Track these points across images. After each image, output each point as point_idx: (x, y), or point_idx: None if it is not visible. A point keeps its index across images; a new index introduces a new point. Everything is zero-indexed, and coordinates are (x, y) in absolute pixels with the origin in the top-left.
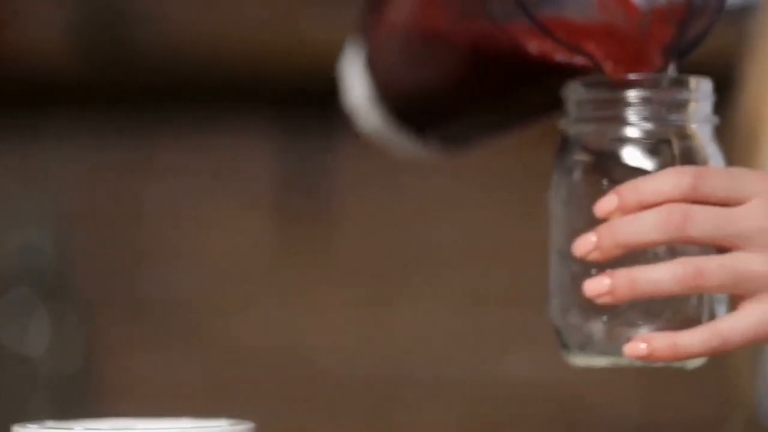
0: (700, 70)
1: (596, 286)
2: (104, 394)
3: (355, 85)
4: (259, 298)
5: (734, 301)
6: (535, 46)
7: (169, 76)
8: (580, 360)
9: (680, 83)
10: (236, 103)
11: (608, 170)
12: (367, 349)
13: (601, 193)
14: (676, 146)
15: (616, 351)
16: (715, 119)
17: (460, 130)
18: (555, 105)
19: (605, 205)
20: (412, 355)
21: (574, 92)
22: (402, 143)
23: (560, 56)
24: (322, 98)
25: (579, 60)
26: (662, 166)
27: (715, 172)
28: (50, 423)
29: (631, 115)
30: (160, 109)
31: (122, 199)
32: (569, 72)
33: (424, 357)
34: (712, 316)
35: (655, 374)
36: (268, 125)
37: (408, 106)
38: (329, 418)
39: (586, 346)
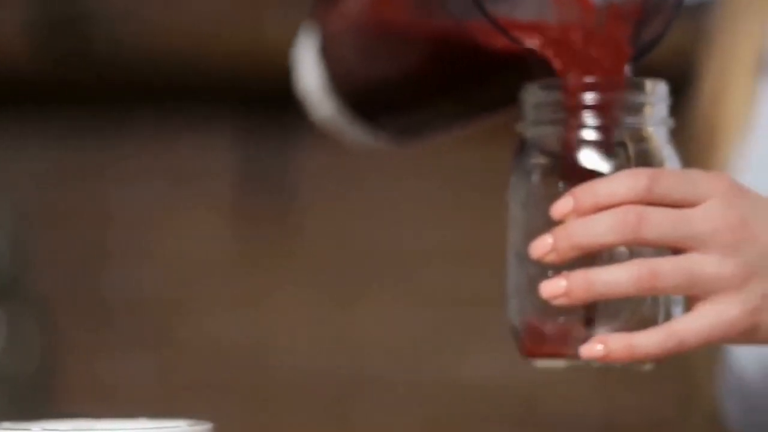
0: (656, 69)
1: (552, 288)
2: (64, 395)
3: (308, 73)
4: (221, 299)
5: (690, 303)
6: (490, 43)
7: (129, 75)
8: (537, 361)
9: (636, 86)
10: (198, 103)
11: (565, 173)
12: (329, 349)
13: (557, 195)
14: (632, 149)
15: (573, 352)
16: (671, 122)
17: (413, 122)
18: (509, 101)
19: (561, 207)
20: (374, 355)
21: (531, 95)
22: (354, 133)
23: (515, 53)
24: (284, 99)
25: (533, 57)
26: (618, 168)
27: (670, 174)
28: (7, 424)
29: (587, 118)
30: (120, 109)
31: (82, 199)
32: (524, 68)
33: (386, 357)
34: (668, 318)
35: (617, 374)
36: (230, 125)
37: (360, 97)
38: (291, 419)
39: (543, 346)
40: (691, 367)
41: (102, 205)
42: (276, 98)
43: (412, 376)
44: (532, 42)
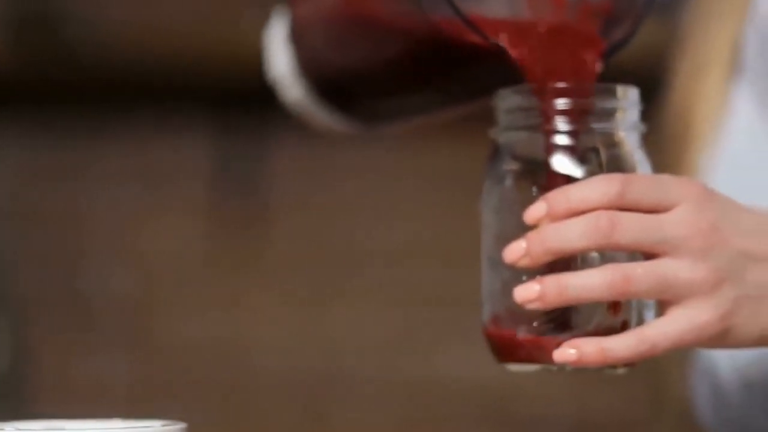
0: (628, 69)
1: (526, 292)
2: (38, 395)
3: (278, 56)
4: (196, 299)
5: (662, 307)
6: (460, 37)
7: (105, 76)
8: (511, 365)
9: (607, 92)
10: (173, 104)
11: (538, 178)
12: (304, 348)
13: (531, 200)
14: (604, 154)
15: (546, 356)
16: (642, 127)
17: (381, 108)
18: (478, 93)
19: (534, 212)
20: (348, 354)
21: (503, 101)
22: (323, 117)
23: (485, 47)
24: (259, 99)
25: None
26: (590, 173)
27: (642, 178)
28: None
29: (559, 123)
30: (95, 109)
31: (57, 200)
32: (494, 62)
33: (360, 356)
34: (640, 322)
35: (588, 375)
36: (205, 126)
37: (328, 82)
38: (266, 419)
39: (517, 351)
40: (662, 368)
41: (77, 206)
42: (251, 99)
43: (386, 375)
44: (502, 40)
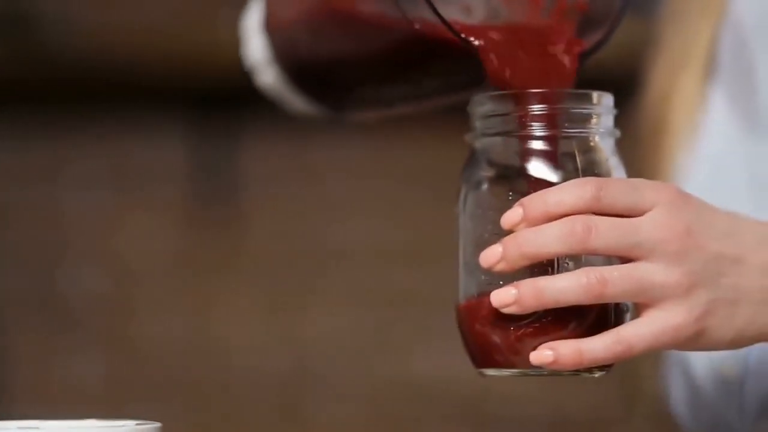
0: (603, 70)
1: (503, 296)
2: (13, 395)
3: (253, 42)
4: (171, 299)
5: (637, 310)
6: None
7: (80, 77)
8: (488, 370)
9: (583, 97)
10: (148, 105)
11: (514, 183)
12: (278, 348)
13: (507, 205)
14: (580, 159)
15: (523, 360)
16: (617, 132)
17: (351, 97)
18: (447, 90)
19: (511, 217)
20: (322, 354)
21: (479, 106)
22: (294, 101)
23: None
24: (234, 101)
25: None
26: (566, 178)
27: (617, 182)
28: None
29: (535, 128)
30: (70, 110)
31: (32, 200)
32: (465, 58)
33: (333, 356)
34: (616, 325)
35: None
36: (180, 127)
37: (301, 69)
38: (240, 418)
39: (494, 356)
40: (635, 367)
41: (52, 207)
42: (226, 100)
43: (360, 375)
44: (478, 44)
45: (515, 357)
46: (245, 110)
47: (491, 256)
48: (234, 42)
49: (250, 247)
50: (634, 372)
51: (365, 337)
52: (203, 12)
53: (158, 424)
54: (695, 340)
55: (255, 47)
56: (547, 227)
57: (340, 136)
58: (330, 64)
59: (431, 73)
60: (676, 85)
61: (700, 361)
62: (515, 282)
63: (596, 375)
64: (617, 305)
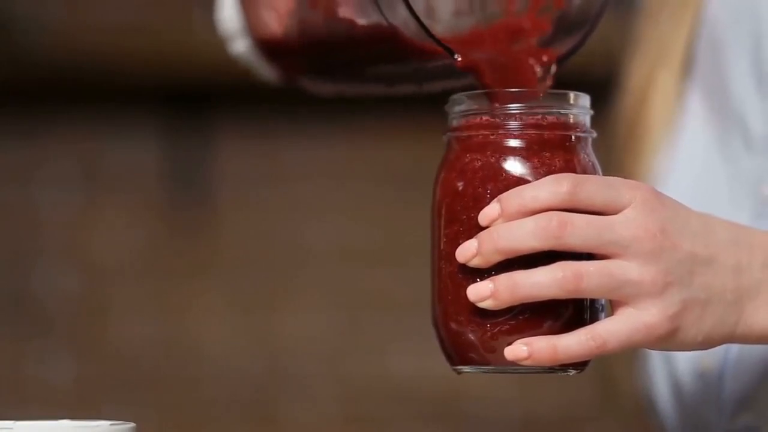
0: (580, 69)
1: (479, 291)
2: None
3: (227, 11)
4: (144, 300)
5: (612, 307)
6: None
7: (52, 77)
8: (466, 368)
9: (559, 97)
10: (121, 106)
11: (490, 181)
12: (251, 348)
13: (484, 203)
14: (556, 158)
15: (499, 358)
16: (593, 132)
17: (318, 74)
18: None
19: (489, 212)
20: (296, 353)
21: (455, 105)
22: (265, 72)
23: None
24: (207, 102)
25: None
26: (543, 176)
27: (593, 179)
28: None
29: (512, 126)
30: (43, 111)
31: (5, 200)
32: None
33: (307, 355)
34: (591, 323)
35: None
36: (154, 128)
37: (271, 43)
38: (214, 418)
39: (469, 353)
40: (610, 367)
41: (25, 208)
42: (200, 101)
43: (334, 375)
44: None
45: (491, 354)
46: (218, 111)
47: (467, 250)
48: (207, 43)
49: (223, 248)
50: (607, 371)
51: (338, 337)
52: (177, 13)
53: (132, 425)
54: (668, 338)
55: (228, 17)
56: (522, 222)
57: (313, 137)
58: (298, 42)
59: (401, 63)
60: (653, 84)
61: (681, 355)
62: (492, 277)
63: (571, 373)
64: (592, 304)
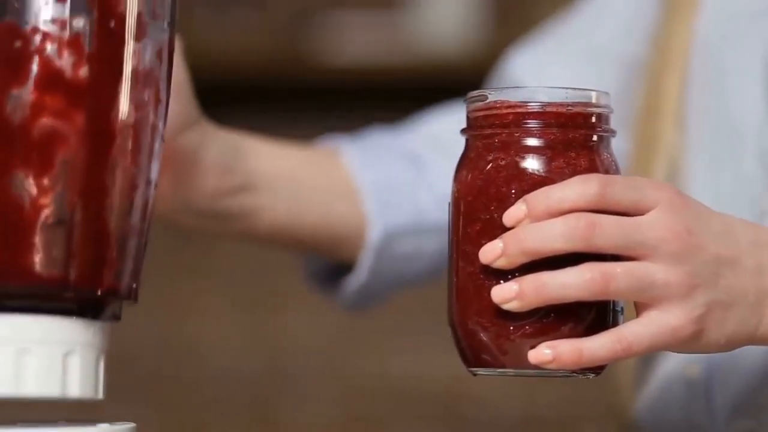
0: None
1: (504, 292)
2: None
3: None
4: (144, 300)
5: (637, 310)
6: None
7: None
8: (482, 370)
9: (583, 96)
10: None
11: (513, 180)
12: (252, 348)
13: (507, 202)
14: (580, 157)
15: (519, 360)
16: (615, 131)
17: None
18: None
19: (514, 213)
20: (297, 354)
21: (475, 102)
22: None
23: None
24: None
25: None
26: (568, 176)
27: (620, 180)
28: None
29: (534, 125)
30: None
31: None
32: None
33: (308, 356)
34: (614, 326)
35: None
36: None
37: None
38: (214, 418)
39: (488, 355)
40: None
41: None
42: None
43: (334, 375)
44: None
45: (510, 357)
46: (218, 111)
47: (491, 251)
48: (207, 43)
49: (223, 248)
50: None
51: (338, 336)
52: (180, 12)
53: (132, 425)
54: (692, 341)
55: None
56: (550, 223)
57: (313, 138)
58: None
59: None
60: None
61: (663, 364)
62: (517, 278)
63: (590, 377)
64: (613, 307)
